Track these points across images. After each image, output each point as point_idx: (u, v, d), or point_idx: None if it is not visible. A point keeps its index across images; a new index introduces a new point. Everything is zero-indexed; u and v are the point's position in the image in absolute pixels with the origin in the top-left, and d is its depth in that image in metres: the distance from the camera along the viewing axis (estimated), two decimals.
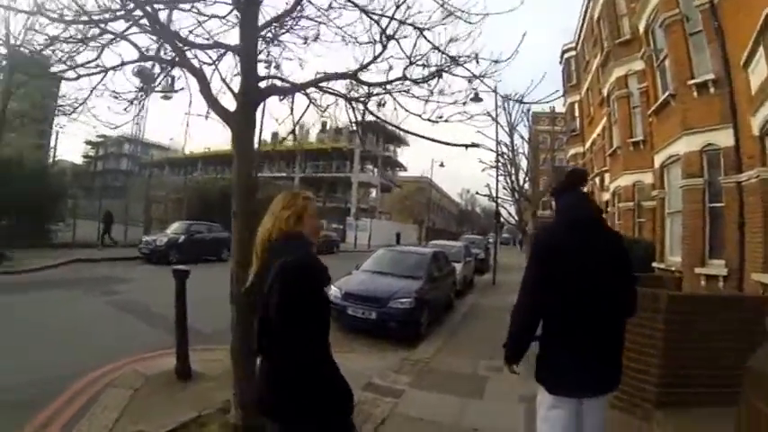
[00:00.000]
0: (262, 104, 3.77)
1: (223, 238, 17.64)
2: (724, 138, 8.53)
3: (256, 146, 4.27)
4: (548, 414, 2.37)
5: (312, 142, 51.68)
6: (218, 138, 40.90)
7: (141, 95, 4.07)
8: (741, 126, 8.19)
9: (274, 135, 54.26)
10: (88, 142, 60.55)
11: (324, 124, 52.12)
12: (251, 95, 3.43)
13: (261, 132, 29.51)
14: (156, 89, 4.29)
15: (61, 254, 14.57)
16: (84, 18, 3.26)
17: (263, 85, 3.64)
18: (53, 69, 4.29)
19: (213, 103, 3.55)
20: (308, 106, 4.33)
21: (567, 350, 2.25)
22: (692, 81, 9.15)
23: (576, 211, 2.41)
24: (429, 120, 4.23)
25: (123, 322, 7.46)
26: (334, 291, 7.86)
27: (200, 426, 3.78)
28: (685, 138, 9.07)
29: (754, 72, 7.62)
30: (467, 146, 4.19)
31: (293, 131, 4.65)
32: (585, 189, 2.97)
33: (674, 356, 4.22)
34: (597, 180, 19.17)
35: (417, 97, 4.23)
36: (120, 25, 3.51)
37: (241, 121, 3.40)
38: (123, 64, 3.69)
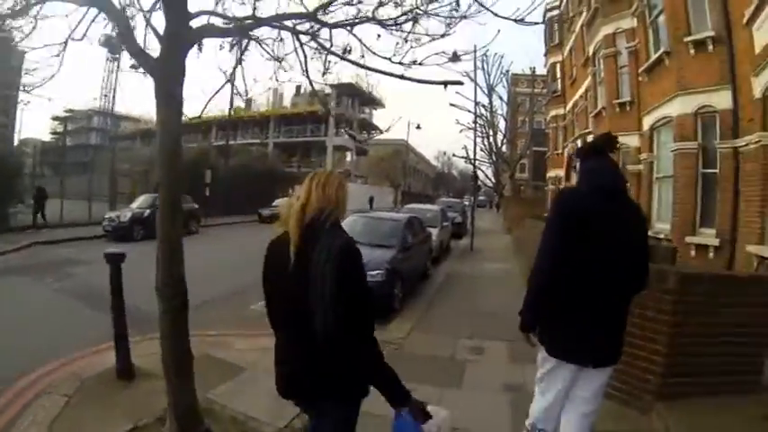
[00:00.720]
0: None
1: (192, 211, 17.37)
2: (721, 99, 8.03)
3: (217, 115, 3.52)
4: (546, 374, 2.39)
5: (286, 106, 50.20)
6: (191, 106, 38.95)
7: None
8: (741, 88, 7.68)
9: (248, 101, 52.92)
10: (55, 118, 56.92)
11: (298, 88, 50.83)
12: (178, 37, 2.62)
13: (232, 99, 28.48)
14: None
15: (24, 237, 13.62)
16: None
17: (196, 24, 2.81)
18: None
19: (134, 50, 2.76)
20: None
21: (574, 318, 2.21)
22: (689, 38, 8.52)
23: (602, 177, 2.29)
24: (401, 63, 3.53)
25: (72, 311, 6.68)
26: None
27: None
28: (680, 98, 8.51)
29: (759, 29, 7.02)
30: (445, 84, 3.48)
31: (242, 94, 3.83)
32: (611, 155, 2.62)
33: (682, 344, 3.73)
34: (579, 142, 18.65)
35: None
36: None
37: (165, 71, 2.61)
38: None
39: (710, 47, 8.23)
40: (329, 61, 3.61)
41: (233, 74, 3.67)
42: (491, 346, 5.44)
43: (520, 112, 36.03)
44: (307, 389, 1.86)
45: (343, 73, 36.93)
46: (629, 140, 12.35)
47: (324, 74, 3.90)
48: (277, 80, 4.33)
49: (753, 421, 3.50)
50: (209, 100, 3.62)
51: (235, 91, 4.10)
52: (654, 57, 9.71)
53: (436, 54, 3.53)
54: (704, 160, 8.25)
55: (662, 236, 8.69)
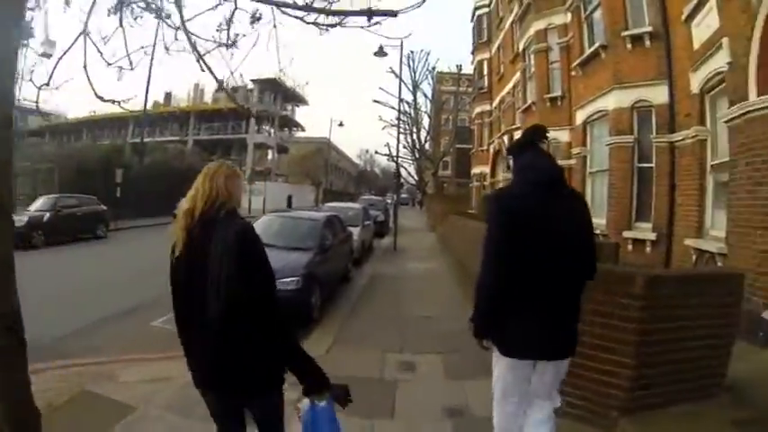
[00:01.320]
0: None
1: (99, 212, 15.93)
2: (658, 94, 8.09)
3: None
4: (502, 376, 2.34)
5: (207, 102, 47.62)
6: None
7: None
8: (677, 83, 7.74)
9: (167, 95, 49.26)
10: None
11: (220, 83, 47.74)
12: None
13: (147, 91, 26.05)
14: None
15: None
16: None
17: None
18: None
19: None
20: None
21: (526, 313, 2.16)
22: (627, 33, 8.54)
23: (537, 171, 2.23)
24: (315, 24, 2.98)
25: None
26: None
27: None
28: (616, 92, 8.49)
29: (699, 26, 7.04)
30: (369, 15, 2.81)
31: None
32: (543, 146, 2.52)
33: (648, 353, 3.33)
34: (506, 138, 18.87)
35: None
36: None
37: None
38: None
39: (648, 42, 8.27)
40: None
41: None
42: (423, 360, 4.71)
43: (444, 110, 36.38)
44: (220, 383, 1.84)
45: (266, 68, 35.15)
46: (561, 135, 12.46)
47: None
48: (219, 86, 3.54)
49: (724, 427, 3.21)
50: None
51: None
52: (589, 51, 9.70)
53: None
54: (639, 155, 8.28)
55: (598, 231, 8.65)
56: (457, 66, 34.14)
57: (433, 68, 32.43)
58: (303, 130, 56.81)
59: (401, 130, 23.43)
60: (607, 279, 3.13)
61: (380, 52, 17.35)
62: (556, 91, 12.85)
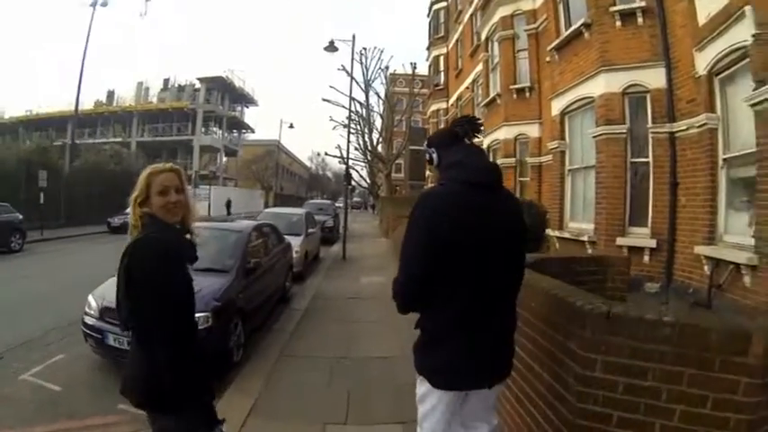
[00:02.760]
0: None
1: (11, 222, 13.33)
2: (653, 77, 6.95)
3: None
4: (430, 410, 1.92)
5: (152, 102, 44.53)
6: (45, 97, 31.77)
7: None
8: (678, 64, 6.63)
9: (110, 94, 45.67)
10: None
11: (166, 81, 45.36)
12: None
13: (80, 86, 23.44)
14: None
15: None
16: None
17: None
18: None
19: None
20: None
21: (458, 333, 1.80)
22: (616, 8, 7.38)
23: (471, 170, 1.84)
24: None
25: None
26: (90, 303, 4.57)
27: None
28: (604, 75, 7.30)
29: None
30: None
31: None
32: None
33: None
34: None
35: None
36: None
37: None
38: None
39: (640, 19, 7.13)
40: None
41: None
42: None
43: (397, 111, 35.12)
44: (131, 395, 1.85)
45: (214, 65, 32.90)
46: (529, 130, 11.33)
47: None
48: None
49: None
50: None
51: None
52: (568, 32, 8.50)
53: None
54: (632, 148, 7.12)
55: (585, 238, 7.42)
56: (411, 64, 33.04)
57: (386, 67, 31.28)
58: (253, 132, 54.93)
59: (352, 131, 22.03)
60: (694, 341, 1.83)
61: (331, 47, 16.09)
62: (523, 81, 11.69)
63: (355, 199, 64.61)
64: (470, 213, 1.77)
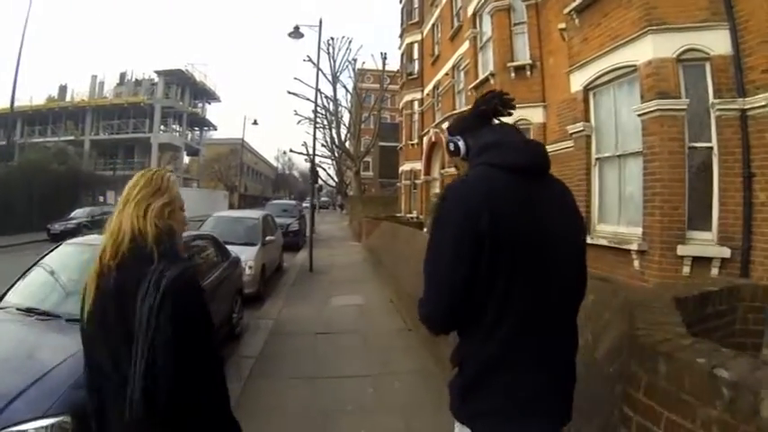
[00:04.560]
0: None
1: None
2: (715, 41, 5.40)
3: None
4: None
5: (106, 97, 42.02)
6: None
7: None
8: (746, 24, 5.16)
9: (62, 88, 42.00)
10: None
11: (122, 75, 42.29)
12: None
13: (16, 77, 20.81)
14: None
15: None
16: None
17: None
18: None
19: None
20: None
21: (510, 366, 1.33)
22: None
23: (510, 149, 1.44)
24: None
25: None
26: None
27: None
28: (652, 37, 5.68)
29: None
30: None
31: None
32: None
33: None
34: (446, 126, 16.05)
35: None
36: None
37: None
38: None
39: None
40: None
41: None
42: None
43: (365, 108, 33.37)
44: None
45: (173, 58, 30.39)
46: (531, 114, 9.77)
47: None
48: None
49: None
50: None
51: None
52: None
53: None
54: (689, 130, 5.55)
55: (632, 246, 5.72)
56: (381, 54, 31.29)
57: (354, 60, 29.55)
58: (215, 129, 52.46)
59: (318, 125, 20.18)
60: None
61: (296, 33, 14.56)
62: (522, 58, 10.11)
63: (323, 198, 62.69)
64: (516, 205, 1.34)
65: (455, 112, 15.43)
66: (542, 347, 1.36)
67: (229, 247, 7.01)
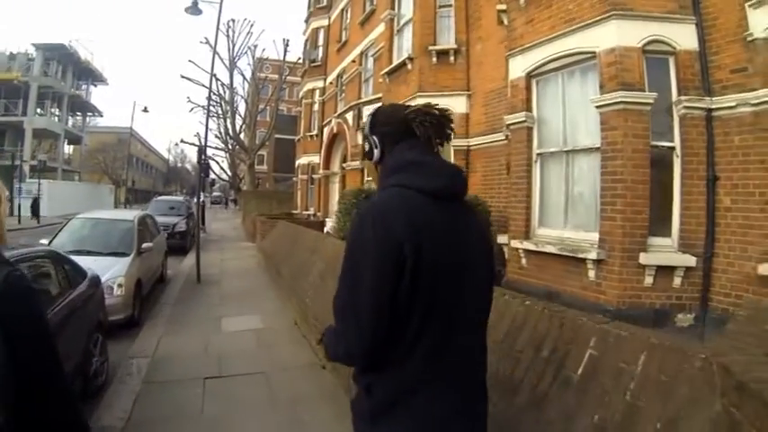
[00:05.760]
0: None
1: None
2: (682, 34, 4.99)
3: None
4: None
5: None
6: None
7: None
8: (716, 22, 4.84)
9: None
10: None
11: None
12: None
13: None
14: None
15: None
16: None
17: None
18: None
19: None
20: None
21: (426, 382, 1.28)
22: None
23: (429, 172, 1.36)
24: None
25: None
26: None
27: None
28: (616, 23, 5.11)
29: None
30: None
31: None
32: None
33: None
34: (351, 116, 14.93)
35: None
36: None
37: None
38: None
39: None
40: None
41: None
42: None
43: (262, 100, 31.29)
44: None
45: (56, 30, 25.30)
46: (452, 103, 8.95)
47: None
48: None
49: None
50: None
51: None
52: None
53: None
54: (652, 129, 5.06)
55: (587, 255, 5.02)
56: (284, 40, 29.41)
57: (255, 46, 27.56)
58: (101, 115, 46.07)
59: (212, 114, 17.95)
60: None
61: (194, 8, 12.84)
62: (447, 42, 9.38)
63: (215, 193, 58.17)
64: (438, 230, 1.29)
65: (362, 100, 14.41)
66: (457, 370, 1.31)
67: (94, 260, 5.57)
